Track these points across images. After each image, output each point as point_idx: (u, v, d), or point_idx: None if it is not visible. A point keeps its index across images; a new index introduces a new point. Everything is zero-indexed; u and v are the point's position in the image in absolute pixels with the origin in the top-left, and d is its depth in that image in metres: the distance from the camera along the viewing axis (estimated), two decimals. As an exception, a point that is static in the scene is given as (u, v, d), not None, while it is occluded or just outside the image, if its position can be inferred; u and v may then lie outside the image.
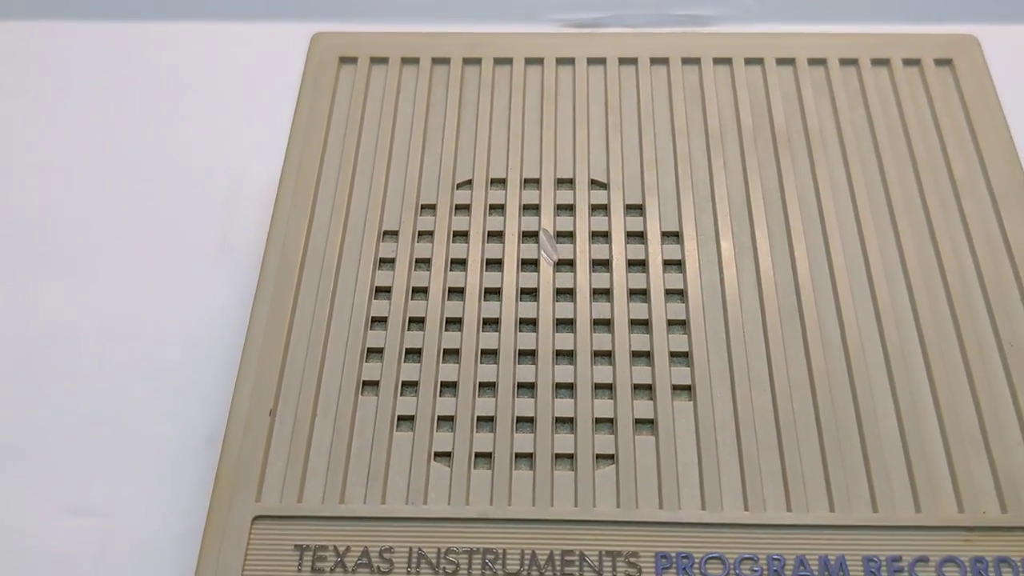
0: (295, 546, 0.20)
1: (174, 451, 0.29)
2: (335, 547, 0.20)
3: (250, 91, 0.36)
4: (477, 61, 0.28)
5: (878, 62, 0.28)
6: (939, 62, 0.28)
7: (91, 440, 0.30)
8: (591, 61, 0.28)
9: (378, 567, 0.20)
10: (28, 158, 0.36)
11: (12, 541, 0.28)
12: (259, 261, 0.27)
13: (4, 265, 0.33)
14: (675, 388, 0.22)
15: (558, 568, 0.20)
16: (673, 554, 0.20)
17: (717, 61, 0.28)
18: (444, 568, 0.20)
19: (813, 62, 0.28)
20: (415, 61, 0.28)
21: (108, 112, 0.36)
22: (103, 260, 0.33)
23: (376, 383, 0.22)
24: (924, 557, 0.20)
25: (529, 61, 0.28)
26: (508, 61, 0.28)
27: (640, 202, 0.25)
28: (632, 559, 0.20)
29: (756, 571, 0.19)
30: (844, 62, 0.28)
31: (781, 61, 0.28)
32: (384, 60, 0.28)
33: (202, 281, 0.33)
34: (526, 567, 0.20)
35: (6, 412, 0.30)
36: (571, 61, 0.28)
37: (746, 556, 0.20)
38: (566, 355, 0.23)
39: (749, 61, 0.28)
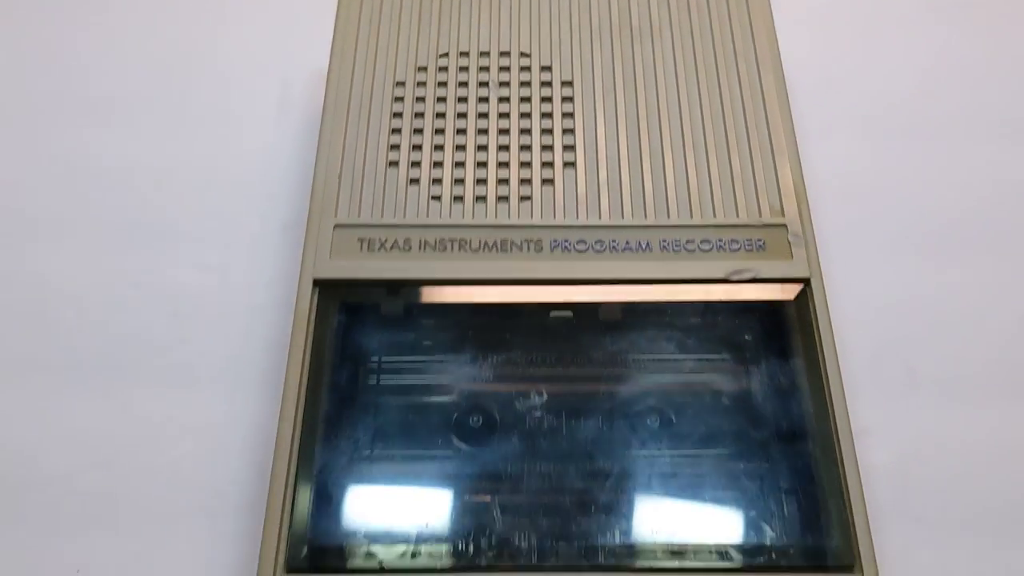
0: (358, 239, 0.37)
1: (260, 232, 0.45)
2: (379, 239, 0.37)
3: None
4: (450, -19, 0.45)
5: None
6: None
7: (200, 226, 0.45)
8: (521, -19, 0.45)
9: (403, 247, 0.37)
10: (127, 51, 0.52)
11: (163, 286, 0.44)
12: (306, 118, 0.44)
13: (129, 129, 0.49)
14: (566, 164, 0.39)
15: (499, 248, 0.37)
16: (560, 239, 0.37)
17: (599, -18, 0.45)
18: (439, 249, 0.37)
19: (659, -18, 0.45)
20: (411, -19, 0.45)
21: (189, 16, 0.53)
22: (195, 123, 0.49)
23: (396, 162, 0.39)
24: (693, 239, 0.37)
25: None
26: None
27: (549, 64, 0.42)
28: (539, 241, 0.37)
29: (602, 246, 0.37)
30: (678, -18, 0.45)
31: (639, -18, 0.45)
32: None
33: (268, 134, 0.49)
34: (487, 249, 0.37)
35: (156, 208, 0.46)
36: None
37: (598, 239, 0.37)
38: (504, 147, 0.40)
39: (619, -18, 0.45)
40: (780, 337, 0.35)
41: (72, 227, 0.45)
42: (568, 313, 0.36)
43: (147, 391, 0.40)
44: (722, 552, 0.31)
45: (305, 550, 0.31)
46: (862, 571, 0.30)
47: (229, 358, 0.41)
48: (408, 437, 0.34)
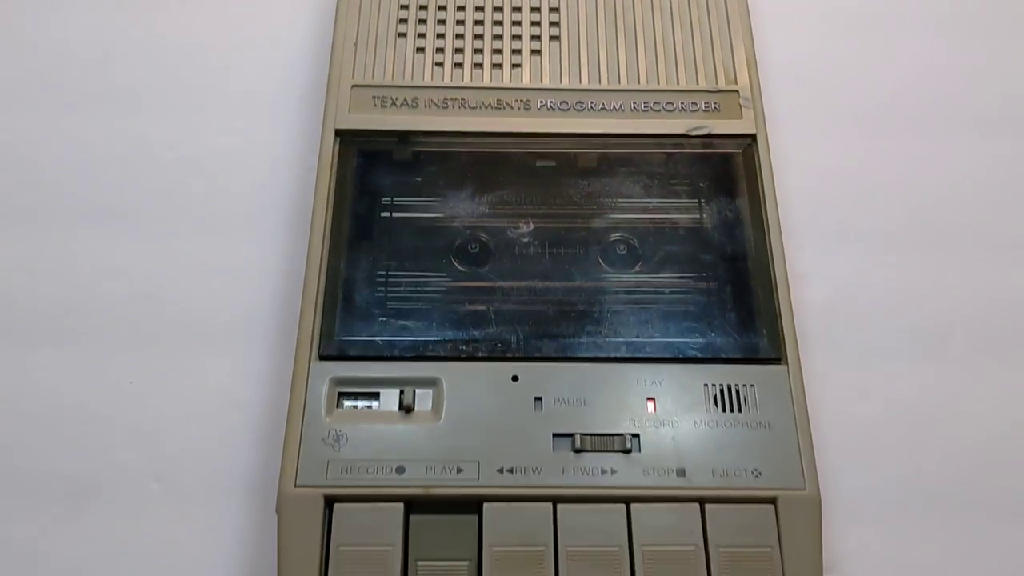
0: (372, 96, 0.43)
1: (278, 101, 0.51)
2: (391, 97, 0.43)
3: None
4: None
5: None
6: None
7: (226, 98, 0.51)
8: None
9: (411, 104, 0.43)
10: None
11: (196, 148, 0.49)
12: (319, 15, 0.50)
13: (159, 13, 0.54)
14: (551, 37, 0.45)
15: (493, 106, 0.43)
16: (546, 100, 0.43)
17: None
18: (441, 107, 0.43)
19: None
20: None
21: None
22: (219, 6, 0.54)
23: (404, 33, 0.45)
24: (659, 101, 0.43)
25: None
26: None
27: (538, -47, 0.48)
28: (527, 102, 0.43)
29: (581, 106, 0.43)
30: None
31: None
32: None
33: (284, 15, 0.54)
34: (483, 107, 0.43)
35: (185, 81, 0.51)
36: None
37: (578, 100, 0.43)
38: (498, 22, 0.46)
39: None
40: (730, 184, 0.42)
41: (112, 101, 0.51)
42: (552, 162, 0.43)
43: (185, 236, 0.46)
44: (674, 346, 0.38)
45: (334, 342, 0.37)
46: (787, 364, 0.38)
47: (255, 208, 0.47)
48: (417, 259, 0.40)
